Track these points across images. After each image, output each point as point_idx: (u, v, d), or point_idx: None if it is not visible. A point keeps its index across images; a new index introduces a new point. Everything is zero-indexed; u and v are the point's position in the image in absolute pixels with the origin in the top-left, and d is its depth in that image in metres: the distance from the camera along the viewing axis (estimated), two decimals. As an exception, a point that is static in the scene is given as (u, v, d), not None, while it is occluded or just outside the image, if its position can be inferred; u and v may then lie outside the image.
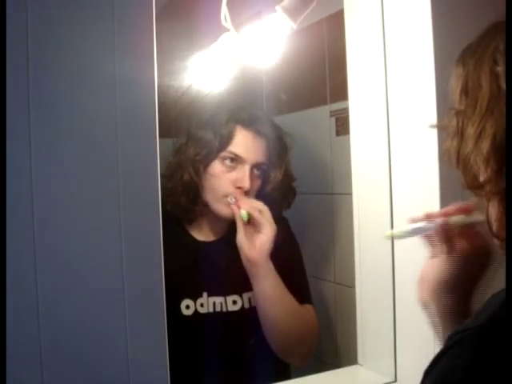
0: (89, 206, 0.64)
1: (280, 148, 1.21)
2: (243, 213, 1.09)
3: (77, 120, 0.63)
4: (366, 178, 0.97)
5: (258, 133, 1.16)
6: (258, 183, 1.17)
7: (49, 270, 0.62)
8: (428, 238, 0.66)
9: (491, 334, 0.39)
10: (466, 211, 0.62)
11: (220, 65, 1.12)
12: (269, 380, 0.99)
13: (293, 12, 0.94)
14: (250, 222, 1.10)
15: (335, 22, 1.24)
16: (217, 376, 1.12)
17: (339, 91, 1.26)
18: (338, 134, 1.33)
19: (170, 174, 1.18)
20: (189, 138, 1.20)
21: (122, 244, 0.65)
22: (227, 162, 1.14)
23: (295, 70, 1.44)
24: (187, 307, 1.15)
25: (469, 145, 0.50)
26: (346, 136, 1.10)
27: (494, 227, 0.50)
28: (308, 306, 1.19)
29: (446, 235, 0.63)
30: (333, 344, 1.37)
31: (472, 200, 0.60)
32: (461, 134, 0.52)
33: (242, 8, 1.36)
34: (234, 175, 1.14)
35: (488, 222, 0.51)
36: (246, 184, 1.13)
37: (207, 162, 1.15)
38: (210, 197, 1.16)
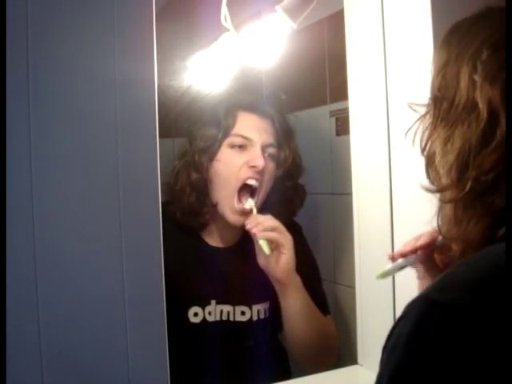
0: (88, 207, 0.64)
1: (286, 128, 1.17)
2: (264, 247, 1.03)
3: (77, 120, 0.63)
4: (366, 177, 0.97)
5: (262, 114, 1.13)
6: (271, 166, 1.13)
7: (49, 271, 0.62)
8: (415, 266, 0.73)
9: (431, 301, 0.42)
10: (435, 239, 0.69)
11: (220, 65, 1.12)
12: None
13: (293, 12, 0.94)
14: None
15: (335, 22, 1.24)
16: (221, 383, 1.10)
17: (339, 91, 1.26)
18: (338, 134, 1.33)
19: (176, 177, 1.14)
20: (191, 139, 1.16)
21: (122, 244, 0.65)
22: (236, 148, 1.10)
23: (295, 70, 1.44)
24: (195, 315, 1.11)
25: (437, 144, 0.53)
26: (346, 136, 1.10)
27: (443, 229, 0.54)
28: (329, 317, 1.17)
29: (431, 260, 0.71)
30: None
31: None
32: (434, 126, 0.53)
33: (242, 8, 1.36)
34: (245, 156, 1.09)
35: (437, 223, 0.55)
36: (261, 162, 1.07)
37: (213, 152, 1.11)
38: (219, 194, 1.11)
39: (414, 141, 0.57)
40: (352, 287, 1.04)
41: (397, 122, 0.90)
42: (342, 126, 1.31)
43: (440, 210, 0.54)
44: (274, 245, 1.06)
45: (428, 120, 0.55)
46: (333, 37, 1.30)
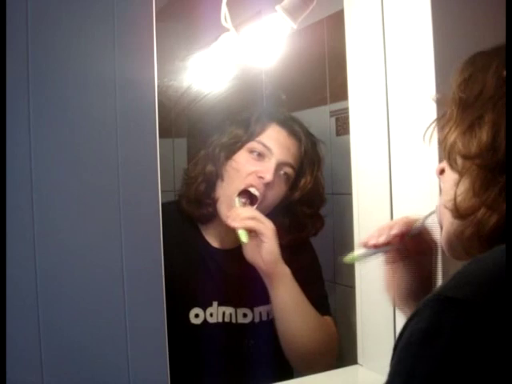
0: (88, 207, 0.64)
1: (313, 155, 1.17)
2: (242, 236, 1.03)
3: (77, 120, 0.63)
4: (366, 177, 0.97)
5: (292, 133, 1.13)
6: (280, 186, 1.12)
7: (49, 270, 0.62)
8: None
9: (446, 298, 0.42)
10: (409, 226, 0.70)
11: (220, 65, 1.12)
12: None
13: (293, 12, 0.94)
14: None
15: (335, 22, 1.24)
16: None
17: (339, 91, 1.26)
18: (338, 134, 1.33)
19: (195, 165, 1.17)
20: (221, 132, 1.16)
21: (122, 244, 0.65)
22: (254, 154, 1.10)
23: (295, 70, 1.43)
24: (196, 316, 1.11)
25: (459, 132, 0.54)
26: (346, 136, 1.10)
27: (454, 202, 0.54)
28: (328, 318, 1.16)
29: (404, 247, 0.73)
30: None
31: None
32: (455, 119, 0.55)
33: (242, 8, 1.36)
34: (258, 165, 1.09)
35: (455, 198, 0.54)
36: (270, 175, 1.07)
37: (233, 150, 1.11)
38: (222, 192, 1.12)
39: (430, 139, 0.58)
40: (352, 287, 1.04)
41: (397, 122, 0.90)
42: (342, 126, 1.31)
43: (457, 184, 0.54)
44: (254, 234, 1.05)
45: (447, 117, 0.56)
46: (333, 37, 1.30)
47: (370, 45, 0.93)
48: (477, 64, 0.55)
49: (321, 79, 1.37)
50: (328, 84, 1.35)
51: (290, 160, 1.12)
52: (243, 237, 1.03)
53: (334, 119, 1.34)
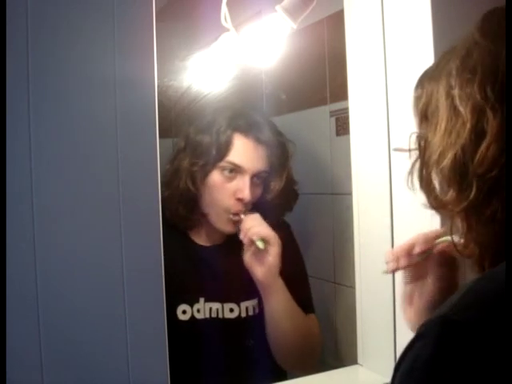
0: (88, 207, 0.64)
1: (281, 155, 1.18)
2: (259, 243, 1.06)
3: (77, 120, 0.63)
4: (366, 177, 0.97)
5: (257, 140, 1.13)
6: (258, 191, 1.15)
7: (49, 270, 0.62)
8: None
9: (452, 322, 0.40)
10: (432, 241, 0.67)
11: (220, 65, 1.12)
12: (265, 382, 0.99)
13: (293, 12, 0.94)
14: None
15: (335, 22, 1.24)
16: (212, 381, 1.11)
17: (339, 91, 1.26)
18: (338, 134, 1.33)
19: (167, 182, 1.15)
20: (187, 143, 1.16)
21: (122, 243, 0.65)
22: (226, 172, 1.11)
23: (295, 70, 1.43)
24: (184, 312, 1.14)
25: (430, 167, 0.53)
26: (346, 136, 1.10)
27: (459, 245, 0.53)
28: (312, 316, 1.19)
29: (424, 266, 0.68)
30: (333, 344, 1.37)
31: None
32: (423, 156, 0.55)
33: (242, 8, 1.36)
34: (233, 185, 1.11)
35: (452, 240, 0.53)
36: (247, 196, 1.10)
37: (205, 171, 1.12)
38: (209, 209, 1.14)
39: (413, 183, 0.58)
40: (352, 287, 1.04)
41: (397, 122, 0.90)
42: (342, 126, 1.31)
43: (451, 224, 0.53)
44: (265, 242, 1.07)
45: (416, 153, 0.56)
46: (333, 37, 1.30)
47: (369, 45, 0.93)
48: (426, 89, 0.55)
49: (321, 79, 1.37)
50: (328, 84, 1.35)
51: (262, 167, 1.14)
52: (261, 244, 1.06)
53: (333, 119, 1.34)
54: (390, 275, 0.91)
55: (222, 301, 1.16)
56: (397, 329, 0.91)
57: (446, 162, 0.50)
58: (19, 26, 0.60)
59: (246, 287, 1.13)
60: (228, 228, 1.14)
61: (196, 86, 1.31)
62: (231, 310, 1.16)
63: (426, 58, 0.81)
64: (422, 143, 0.54)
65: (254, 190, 1.13)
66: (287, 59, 1.13)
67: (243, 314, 1.17)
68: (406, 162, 0.88)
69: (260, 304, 1.17)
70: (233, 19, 1.01)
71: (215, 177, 1.12)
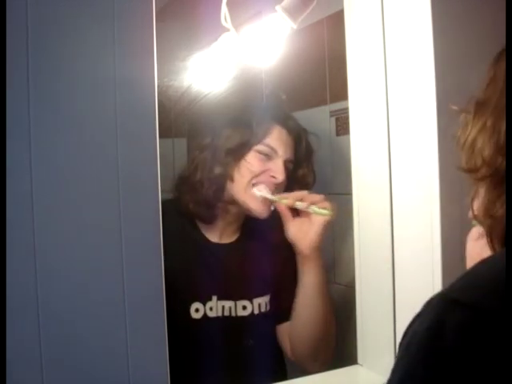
0: (88, 207, 0.64)
1: (308, 149, 1.24)
2: (325, 211, 1.09)
3: (77, 120, 0.63)
4: (366, 177, 0.97)
5: (291, 131, 1.19)
6: (286, 178, 1.18)
7: (49, 270, 0.62)
8: None
9: (450, 299, 0.41)
10: None
11: (220, 65, 1.12)
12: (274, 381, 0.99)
13: (293, 12, 0.94)
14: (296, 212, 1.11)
15: (335, 22, 1.24)
16: (223, 380, 1.11)
17: (339, 91, 1.26)
18: (338, 134, 1.33)
19: (195, 170, 1.18)
20: (214, 135, 1.19)
21: (122, 243, 0.65)
22: (262, 155, 1.15)
23: (295, 70, 1.44)
24: (197, 310, 1.14)
25: (479, 135, 0.52)
26: (346, 136, 1.10)
27: (476, 211, 0.53)
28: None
29: None
30: (333, 344, 1.37)
31: None
32: (475, 122, 0.54)
33: (242, 8, 1.36)
34: (268, 165, 1.15)
35: (471, 206, 0.54)
36: (281, 176, 1.14)
37: (242, 153, 1.16)
38: (238, 188, 1.15)
39: (457, 141, 0.58)
40: (352, 287, 1.04)
41: (397, 122, 0.90)
42: (342, 125, 1.31)
43: (475, 194, 0.54)
44: (302, 214, 1.11)
45: (470, 120, 0.56)
46: (333, 37, 1.30)
47: (369, 45, 0.93)
48: (500, 63, 0.53)
49: (321, 79, 1.37)
50: (328, 84, 1.35)
51: (292, 156, 1.19)
52: (327, 212, 1.09)
53: (334, 119, 1.34)
54: (390, 275, 0.91)
55: (235, 298, 1.16)
56: (397, 329, 0.91)
57: (492, 136, 0.50)
58: (19, 26, 0.60)
59: (258, 283, 1.14)
60: (259, 208, 1.14)
61: (196, 86, 1.32)
62: (244, 308, 1.17)
63: (426, 58, 0.81)
64: (479, 109, 0.53)
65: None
66: (287, 59, 1.13)
67: (256, 311, 1.18)
68: (405, 162, 0.89)
69: (271, 300, 1.19)
70: (233, 19, 1.01)
71: (251, 157, 1.15)
